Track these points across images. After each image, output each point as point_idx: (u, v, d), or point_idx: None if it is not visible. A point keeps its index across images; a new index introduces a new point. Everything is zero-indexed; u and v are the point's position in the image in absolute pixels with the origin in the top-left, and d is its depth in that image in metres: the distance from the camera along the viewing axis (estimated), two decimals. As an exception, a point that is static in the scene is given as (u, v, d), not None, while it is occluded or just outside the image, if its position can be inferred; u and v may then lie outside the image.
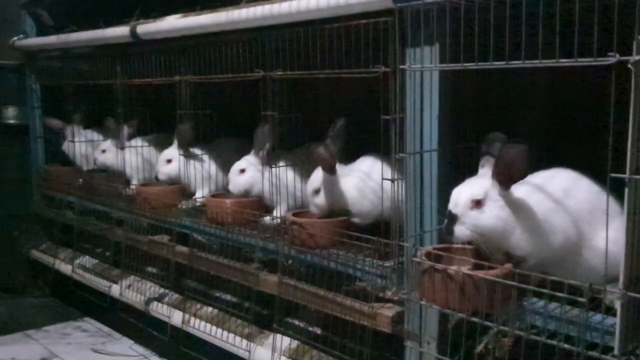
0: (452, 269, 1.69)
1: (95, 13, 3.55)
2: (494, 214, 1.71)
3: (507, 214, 1.71)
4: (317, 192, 2.46)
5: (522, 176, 1.68)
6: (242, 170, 2.83)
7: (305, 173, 2.74)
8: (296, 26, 2.36)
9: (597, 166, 1.53)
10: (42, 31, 4.19)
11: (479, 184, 1.76)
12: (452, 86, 1.97)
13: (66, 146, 4.06)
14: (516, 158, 1.65)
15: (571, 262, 1.75)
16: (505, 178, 1.70)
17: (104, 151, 3.75)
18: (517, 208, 1.72)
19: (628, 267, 1.43)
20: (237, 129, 3.42)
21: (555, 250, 1.73)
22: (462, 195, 1.75)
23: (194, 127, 3.13)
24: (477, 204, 1.72)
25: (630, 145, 1.37)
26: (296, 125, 2.66)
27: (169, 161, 3.28)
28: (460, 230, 1.74)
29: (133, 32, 3.13)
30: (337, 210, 2.48)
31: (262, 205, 2.84)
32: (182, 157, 3.20)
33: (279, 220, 2.67)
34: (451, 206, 1.76)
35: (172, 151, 3.26)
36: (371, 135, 2.17)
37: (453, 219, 1.74)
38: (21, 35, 4.19)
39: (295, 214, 2.53)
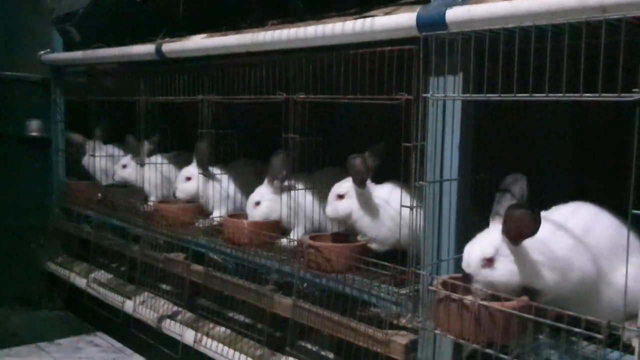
0: (468, 299, 1.68)
1: (122, 31, 3.62)
2: (506, 270, 1.70)
3: (520, 267, 1.69)
4: (340, 197, 2.46)
5: (532, 234, 1.65)
6: (257, 203, 2.85)
7: (323, 196, 2.75)
8: (321, 50, 2.39)
9: (620, 201, 1.52)
10: (69, 47, 4.27)
11: (489, 240, 1.73)
12: (474, 116, 1.97)
13: (86, 160, 4.11)
14: (522, 219, 1.64)
15: (589, 297, 1.73)
16: (515, 236, 1.68)
17: (124, 166, 3.79)
18: (530, 259, 1.70)
19: (648, 305, 1.42)
20: (258, 150, 3.45)
21: (573, 286, 1.71)
22: (472, 254, 1.74)
23: (214, 147, 3.16)
24: (489, 262, 1.71)
25: (652, 182, 1.36)
26: (316, 148, 2.68)
27: (188, 179, 3.30)
28: (477, 287, 1.73)
29: (158, 50, 3.18)
30: (350, 226, 2.48)
31: (280, 227, 2.85)
32: (201, 176, 3.23)
33: (295, 243, 2.67)
34: (464, 266, 1.75)
35: (192, 169, 3.29)
36: (392, 162, 2.18)
37: (468, 277, 1.74)
38: (48, 50, 4.27)
39: (312, 237, 2.54)
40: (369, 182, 2.44)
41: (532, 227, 1.64)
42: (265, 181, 2.87)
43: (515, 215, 1.65)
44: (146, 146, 3.62)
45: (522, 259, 1.70)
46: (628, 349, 1.52)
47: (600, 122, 2.30)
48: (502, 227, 1.70)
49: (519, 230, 1.66)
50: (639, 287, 1.43)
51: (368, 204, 2.43)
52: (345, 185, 2.47)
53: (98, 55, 3.74)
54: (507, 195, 1.79)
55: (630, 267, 1.50)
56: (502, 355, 1.64)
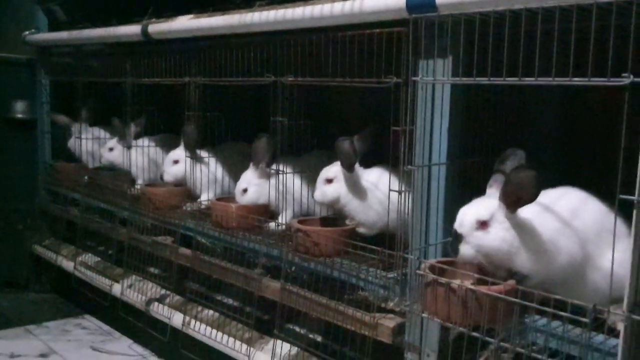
0: (455, 283, 1.69)
1: (109, 11, 3.56)
2: (498, 236, 1.71)
3: (512, 236, 1.71)
4: (329, 181, 2.45)
5: (531, 200, 1.66)
6: (245, 190, 2.84)
7: (311, 180, 2.74)
8: (309, 32, 2.36)
9: (608, 186, 1.52)
10: (54, 27, 4.20)
11: (486, 204, 1.76)
12: (464, 100, 1.96)
13: (72, 142, 4.07)
14: (525, 182, 1.64)
15: (576, 281, 1.74)
16: (513, 201, 1.69)
17: (111, 149, 3.76)
18: (523, 229, 1.72)
19: (633, 290, 1.43)
20: (246, 133, 3.43)
21: (560, 270, 1.72)
22: (467, 215, 1.75)
23: (202, 130, 3.13)
24: (483, 225, 1.72)
25: (640, 167, 1.36)
26: (305, 131, 2.66)
27: (175, 162, 3.28)
28: (465, 250, 1.74)
29: (144, 31, 3.14)
30: (338, 210, 2.47)
31: (268, 211, 2.84)
32: (188, 159, 3.20)
33: (283, 227, 2.67)
34: (457, 225, 1.76)
35: (179, 152, 3.26)
36: (381, 146, 2.17)
37: (458, 238, 1.74)
38: (33, 30, 4.20)
39: (300, 221, 2.53)
40: (357, 166, 2.43)
41: (531, 194, 1.64)
42: (251, 166, 2.86)
43: (518, 177, 1.65)
44: (133, 128, 3.59)
45: (515, 229, 1.71)
46: (613, 332, 1.53)
47: (591, 106, 2.30)
48: (500, 192, 1.71)
49: (517, 195, 1.66)
50: (624, 272, 1.44)
51: (356, 188, 2.43)
52: (334, 170, 2.46)
53: (83, 36, 3.69)
54: (505, 165, 1.80)
55: (617, 252, 1.51)
56: (488, 339, 1.66)
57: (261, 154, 2.78)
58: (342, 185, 2.43)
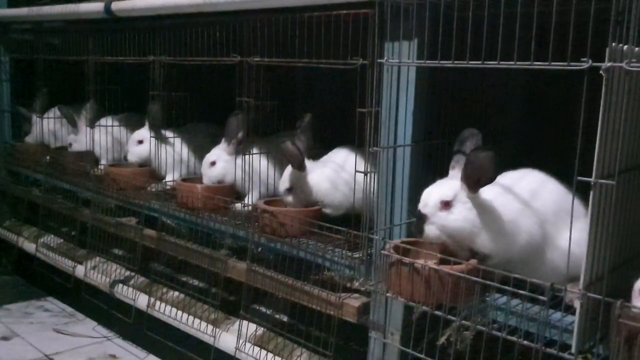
0: (419, 262, 1.72)
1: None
2: (461, 216, 1.75)
3: (474, 216, 1.75)
4: (289, 190, 2.47)
5: (490, 180, 1.71)
6: (213, 163, 2.82)
7: (278, 161, 2.74)
8: (276, 12, 2.34)
9: (568, 167, 1.56)
10: (14, 3, 4.07)
11: (449, 185, 1.79)
12: (429, 82, 1.98)
13: (34, 121, 3.98)
14: (484, 163, 1.68)
15: (536, 261, 1.79)
16: (474, 181, 1.73)
17: (70, 144, 3.72)
18: (485, 209, 1.76)
19: (589, 268, 1.47)
20: (212, 113, 3.40)
21: (520, 250, 1.77)
22: (431, 196, 1.78)
23: (167, 109, 3.09)
24: (446, 205, 1.76)
25: (597, 149, 1.40)
26: (272, 112, 2.65)
27: (140, 142, 3.24)
28: (429, 230, 1.77)
29: (107, 9, 3.06)
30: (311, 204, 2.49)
31: (234, 192, 2.83)
32: (153, 139, 3.16)
33: (250, 208, 2.66)
34: (421, 206, 1.79)
35: (144, 132, 3.22)
36: (347, 127, 2.17)
37: (422, 218, 1.77)
38: (-9, 6, 4.08)
39: (267, 202, 2.53)
40: (309, 162, 2.46)
41: (491, 173, 1.68)
42: (222, 142, 2.84)
43: (478, 158, 1.68)
44: (86, 111, 3.52)
45: (477, 209, 1.75)
46: (570, 309, 1.58)
47: (552, 90, 2.34)
48: (462, 173, 1.74)
49: (478, 176, 1.70)
50: (582, 251, 1.48)
51: (306, 186, 2.46)
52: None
53: (44, 13, 3.58)
54: (465, 145, 1.84)
55: (575, 232, 1.55)
56: (450, 317, 1.70)
57: (234, 131, 2.76)
58: (300, 189, 2.48)
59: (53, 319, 3.59)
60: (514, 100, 2.49)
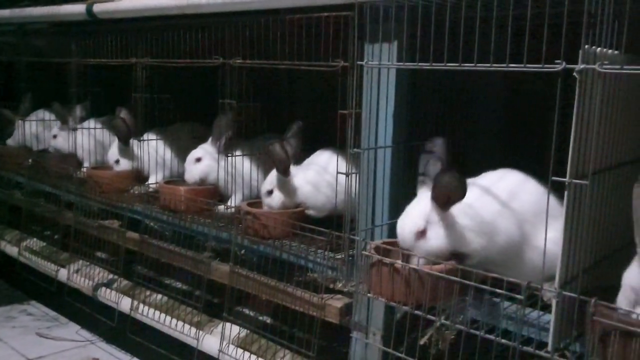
0: (399, 263, 1.73)
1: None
2: (439, 237, 1.74)
3: (451, 230, 1.74)
4: (270, 193, 2.48)
5: (460, 199, 1.70)
6: (198, 159, 2.82)
7: (261, 163, 2.75)
8: (258, 14, 2.35)
9: (545, 167, 1.59)
10: (-5, 4, 4.04)
11: (418, 211, 1.77)
12: (409, 84, 2.00)
13: (17, 124, 3.96)
14: (451, 185, 1.67)
15: (516, 260, 1.80)
16: (443, 202, 1.72)
17: (55, 136, 3.69)
18: (461, 217, 1.74)
19: (564, 267, 1.49)
20: (194, 115, 3.39)
21: (499, 250, 1.78)
22: (405, 230, 1.77)
23: (149, 111, 3.08)
24: (421, 234, 1.74)
25: (571, 149, 1.42)
26: (255, 114, 2.65)
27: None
28: (418, 261, 1.76)
29: (89, 11, 3.05)
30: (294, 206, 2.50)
31: (217, 194, 2.83)
32: (136, 142, 3.15)
33: (233, 210, 2.67)
34: (400, 243, 1.78)
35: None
36: (330, 129, 2.19)
37: (405, 254, 1.77)
38: (-29, 7, 4.04)
39: (249, 204, 2.54)
40: (293, 167, 2.47)
41: (460, 193, 1.69)
42: (209, 141, 2.83)
43: (444, 181, 1.69)
44: (78, 111, 3.51)
45: (451, 224, 1.75)
46: (547, 308, 1.60)
47: (530, 91, 2.37)
48: (431, 194, 1.74)
49: (447, 197, 1.70)
50: (557, 250, 1.50)
51: (290, 190, 2.46)
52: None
53: (26, 14, 3.55)
54: (431, 160, 1.82)
55: (552, 231, 1.57)
56: (430, 317, 1.71)
57: (222, 131, 2.76)
58: (281, 192, 2.49)
59: (36, 322, 3.56)
60: (495, 100, 2.51)
